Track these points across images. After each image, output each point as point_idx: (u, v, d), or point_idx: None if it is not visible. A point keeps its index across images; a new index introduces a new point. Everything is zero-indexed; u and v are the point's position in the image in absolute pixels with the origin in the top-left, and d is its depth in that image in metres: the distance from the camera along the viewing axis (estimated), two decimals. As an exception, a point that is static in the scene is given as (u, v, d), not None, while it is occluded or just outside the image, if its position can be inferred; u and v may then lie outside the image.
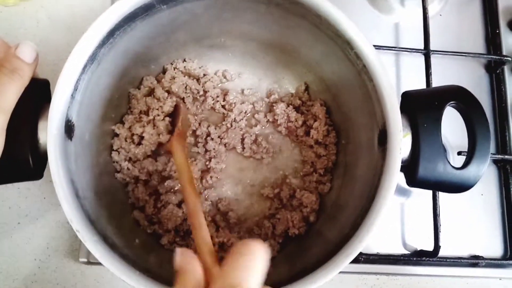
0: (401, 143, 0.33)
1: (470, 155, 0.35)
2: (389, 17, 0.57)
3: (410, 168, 0.35)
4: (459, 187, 0.35)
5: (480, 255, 0.50)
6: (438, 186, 0.36)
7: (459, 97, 0.36)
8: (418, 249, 0.50)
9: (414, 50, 0.53)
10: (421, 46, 0.53)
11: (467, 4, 0.59)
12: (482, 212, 0.52)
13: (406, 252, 0.50)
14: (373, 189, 0.34)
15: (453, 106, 0.36)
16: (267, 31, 0.44)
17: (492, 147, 0.54)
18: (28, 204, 0.47)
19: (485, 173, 0.52)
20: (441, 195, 0.48)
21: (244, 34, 0.46)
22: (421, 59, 0.53)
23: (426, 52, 0.52)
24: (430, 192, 0.49)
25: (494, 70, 0.56)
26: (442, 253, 0.47)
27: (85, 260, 0.45)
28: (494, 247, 0.51)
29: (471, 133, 0.35)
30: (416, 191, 0.51)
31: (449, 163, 0.34)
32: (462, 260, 0.49)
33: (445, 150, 0.52)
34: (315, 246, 0.40)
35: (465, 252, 0.51)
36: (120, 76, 0.41)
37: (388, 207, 0.33)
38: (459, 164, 0.35)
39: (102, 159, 0.42)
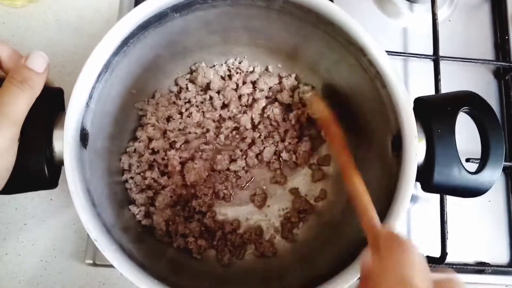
0: (417, 148, 0.34)
1: (484, 160, 0.35)
2: (397, 22, 0.57)
3: (425, 174, 0.35)
4: (474, 192, 0.35)
5: (486, 261, 0.50)
6: (453, 191, 0.37)
7: (472, 103, 0.36)
8: (425, 255, 0.50)
9: (423, 56, 0.53)
10: (429, 51, 0.53)
11: (476, 10, 0.58)
12: (489, 219, 0.52)
13: (412, 258, 0.50)
14: (389, 195, 0.34)
15: (466, 112, 0.36)
16: (277, 38, 0.44)
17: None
18: (35, 205, 0.47)
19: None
20: (449, 202, 0.48)
21: (253, 41, 0.46)
22: (429, 64, 0.52)
23: (435, 58, 0.52)
24: (437, 198, 0.48)
25: (503, 76, 0.56)
26: (448, 259, 0.47)
27: (91, 261, 0.45)
28: (500, 254, 0.51)
29: (484, 139, 0.35)
30: (423, 197, 0.51)
31: (464, 168, 0.34)
32: (468, 267, 0.49)
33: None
34: (326, 254, 0.40)
35: (471, 259, 0.50)
36: (132, 84, 0.42)
37: (405, 211, 0.33)
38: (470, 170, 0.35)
39: (114, 166, 0.42)
